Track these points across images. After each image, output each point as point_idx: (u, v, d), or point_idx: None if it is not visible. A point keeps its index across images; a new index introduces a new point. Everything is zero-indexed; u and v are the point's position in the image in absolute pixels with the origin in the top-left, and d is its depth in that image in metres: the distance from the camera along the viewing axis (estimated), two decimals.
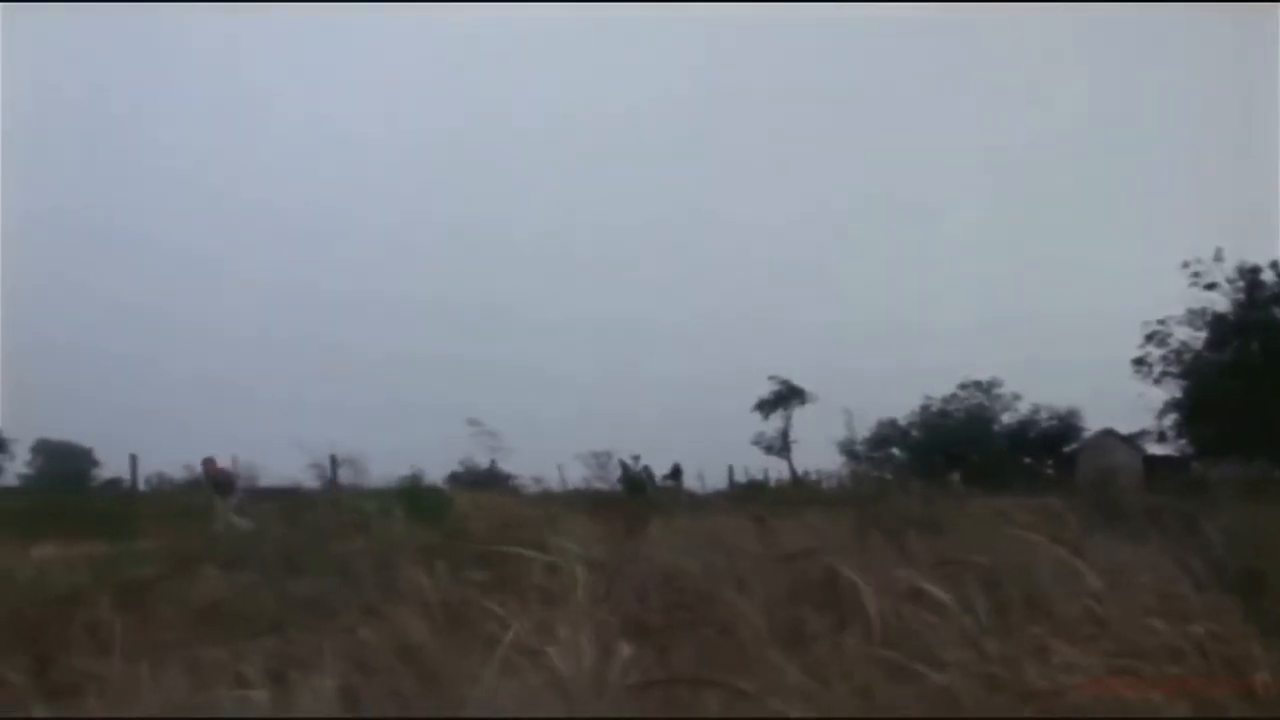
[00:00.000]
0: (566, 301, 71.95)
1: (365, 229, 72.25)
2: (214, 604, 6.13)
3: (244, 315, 63.95)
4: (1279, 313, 37.70)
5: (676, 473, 26.41)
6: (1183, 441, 41.39)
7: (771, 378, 49.88)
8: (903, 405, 53.05)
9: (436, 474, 26.83)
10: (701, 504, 16.29)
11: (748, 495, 23.16)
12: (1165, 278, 40.08)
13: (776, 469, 43.64)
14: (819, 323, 69.02)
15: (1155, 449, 43.97)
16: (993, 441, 50.00)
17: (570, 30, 72.65)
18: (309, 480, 21.66)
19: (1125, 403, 41.21)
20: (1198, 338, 39.14)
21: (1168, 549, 5.48)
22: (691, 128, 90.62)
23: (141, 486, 26.46)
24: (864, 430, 52.96)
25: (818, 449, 50.46)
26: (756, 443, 49.75)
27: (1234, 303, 37.98)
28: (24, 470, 53.84)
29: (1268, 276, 37.75)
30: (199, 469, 22.38)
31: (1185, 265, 37.67)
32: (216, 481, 19.71)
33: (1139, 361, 40.06)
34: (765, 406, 50.39)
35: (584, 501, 15.48)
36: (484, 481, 30.98)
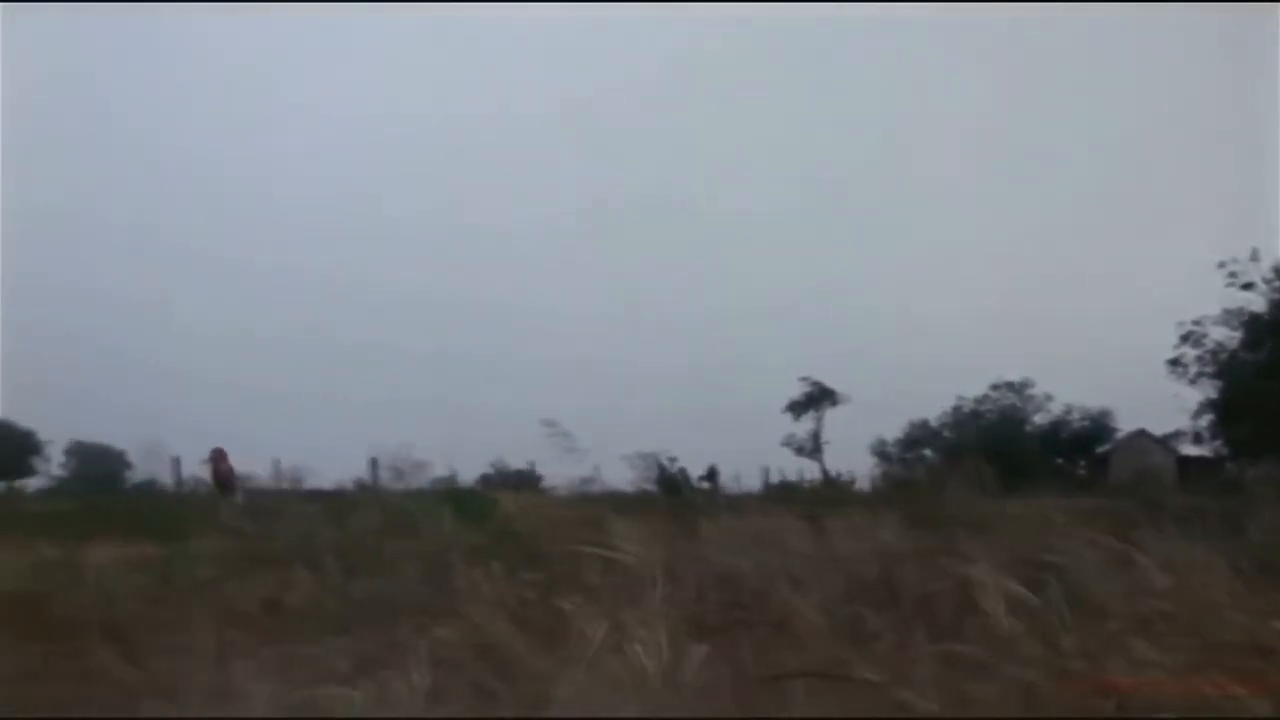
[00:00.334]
0: (584, 297, 71.54)
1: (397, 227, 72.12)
2: (283, 603, 6.24)
3: (287, 317, 63.74)
4: None
5: (712, 474, 26.42)
6: (1217, 442, 41.05)
7: (802, 379, 49.74)
8: (933, 404, 53.02)
9: (467, 475, 26.87)
10: (739, 505, 16.29)
11: (783, 496, 23.16)
12: (1199, 278, 39.72)
13: (807, 470, 43.50)
14: (847, 321, 68.55)
15: (1190, 450, 43.64)
16: (1025, 442, 49.64)
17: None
18: (346, 482, 21.93)
19: (1157, 403, 40.95)
20: (1233, 338, 38.81)
21: (1215, 548, 5.49)
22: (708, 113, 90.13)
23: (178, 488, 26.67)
24: (895, 431, 53.20)
25: (846, 449, 50.10)
26: (787, 444, 49.61)
27: (1270, 302, 37.56)
28: (58, 472, 54.38)
29: None
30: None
31: (1221, 265, 37.33)
32: (218, 478, 19.33)
33: (1174, 362, 39.76)
34: (796, 408, 50.23)
35: (622, 503, 15.53)
36: (514, 483, 31.13)
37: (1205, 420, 40.66)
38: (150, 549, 10.45)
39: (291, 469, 23.23)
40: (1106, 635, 3.62)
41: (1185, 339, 39.41)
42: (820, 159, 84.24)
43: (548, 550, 8.20)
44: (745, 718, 3.61)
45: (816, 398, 49.72)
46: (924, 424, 53.12)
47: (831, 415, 49.90)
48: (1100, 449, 51.71)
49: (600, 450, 24.51)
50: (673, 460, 27.14)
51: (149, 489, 34.55)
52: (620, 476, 24.87)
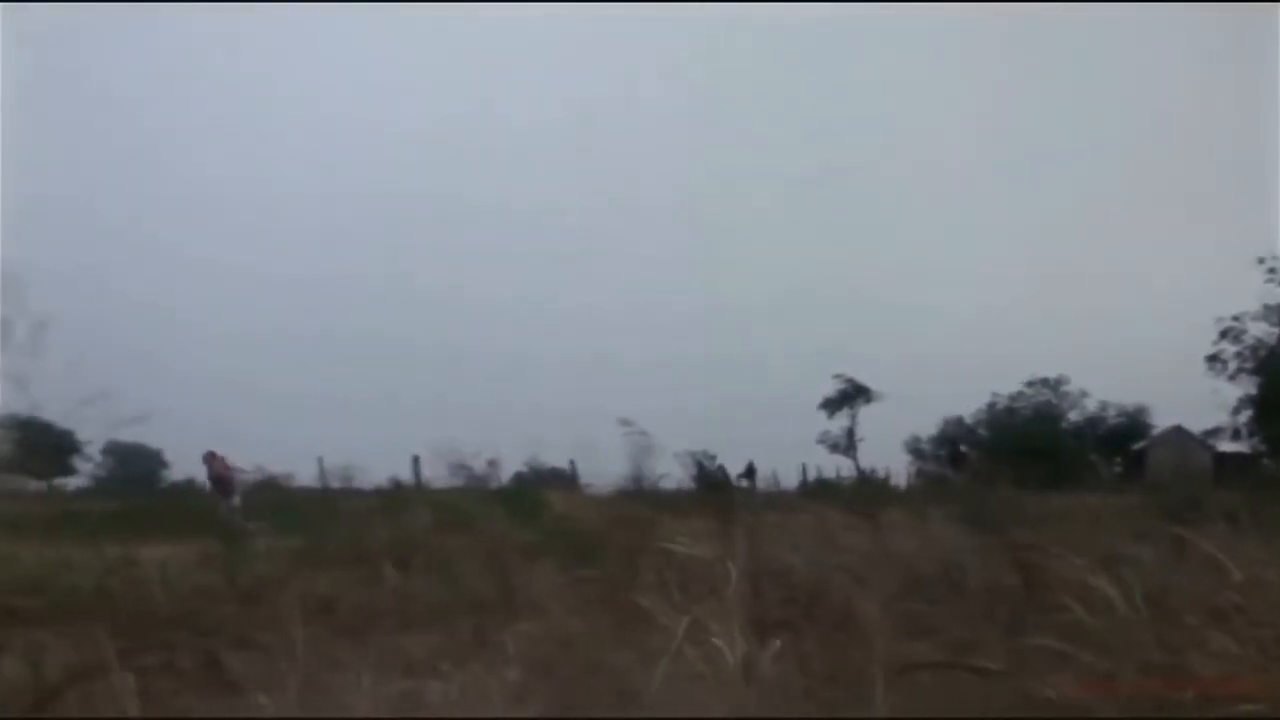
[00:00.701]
0: (605, 294, 71.50)
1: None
2: (350, 600, 6.34)
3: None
4: None
5: (751, 472, 26.42)
6: (1255, 439, 40.60)
7: (836, 376, 49.62)
8: (967, 401, 52.73)
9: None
10: (778, 503, 16.31)
11: (822, 493, 23.11)
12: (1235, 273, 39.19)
13: (841, 467, 43.36)
14: (880, 316, 68.11)
15: (1228, 446, 43.16)
16: (1061, 439, 49.25)
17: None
18: (383, 481, 22.10)
19: (1193, 400, 40.53)
20: (1272, 333, 38.37)
21: (1268, 543, 5.50)
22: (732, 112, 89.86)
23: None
24: (929, 428, 52.93)
25: (879, 446, 49.88)
26: (822, 441, 49.54)
27: None
28: (96, 472, 54.97)
29: None
30: (251, 472, 21.00)
31: (1260, 261, 36.88)
32: (215, 480, 18.96)
33: (1213, 358, 39.38)
34: (831, 405, 50.11)
35: (665, 501, 15.57)
36: (549, 481, 31.17)
37: (1244, 416, 40.24)
38: (205, 547, 10.61)
39: (341, 468, 23.31)
40: (1185, 629, 3.65)
41: (1224, 335, 39.06)
42: (848, 153, 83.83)
43: (603, 547, 8.31)
44: (829, 717, 3.68)
45: (850, 395, 49.59)
46: (959, 421, 52.85)
47: (865, 412, 49.83)
48: (1137, 445, 51.25)
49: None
50: (712, 458, 27.18)
51: (187, 489, 34.93)
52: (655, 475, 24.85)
